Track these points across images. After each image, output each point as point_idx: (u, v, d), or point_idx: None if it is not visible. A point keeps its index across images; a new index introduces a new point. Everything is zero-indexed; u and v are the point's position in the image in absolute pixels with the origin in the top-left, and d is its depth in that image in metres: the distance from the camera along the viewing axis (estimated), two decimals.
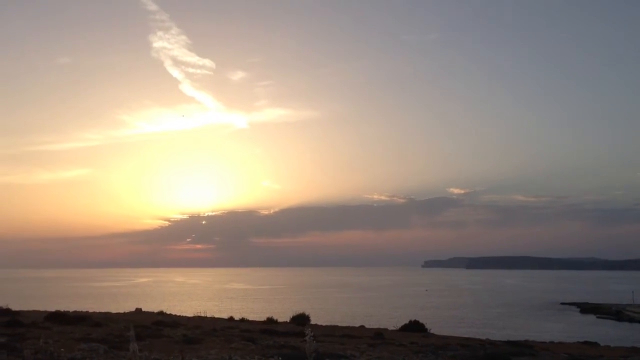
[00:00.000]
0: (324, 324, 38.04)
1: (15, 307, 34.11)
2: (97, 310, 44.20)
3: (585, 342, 38.14)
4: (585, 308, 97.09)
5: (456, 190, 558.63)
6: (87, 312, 37.63)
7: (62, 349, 16.34)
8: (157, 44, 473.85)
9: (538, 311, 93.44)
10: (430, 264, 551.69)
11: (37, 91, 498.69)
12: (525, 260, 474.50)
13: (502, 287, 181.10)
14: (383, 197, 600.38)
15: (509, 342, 30.64)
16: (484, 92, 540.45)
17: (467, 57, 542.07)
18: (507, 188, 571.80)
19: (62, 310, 36.47)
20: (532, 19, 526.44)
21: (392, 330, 34.02)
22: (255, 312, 70.05)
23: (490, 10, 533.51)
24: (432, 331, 35.22)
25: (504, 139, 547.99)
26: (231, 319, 36.92)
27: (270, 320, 35.12)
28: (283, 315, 42.40)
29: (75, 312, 35.83)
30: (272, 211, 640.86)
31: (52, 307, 44.65)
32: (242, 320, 36.52)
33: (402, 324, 36.92)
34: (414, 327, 35.48)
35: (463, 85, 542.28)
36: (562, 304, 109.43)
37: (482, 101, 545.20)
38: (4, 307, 30.78)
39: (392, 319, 56.86)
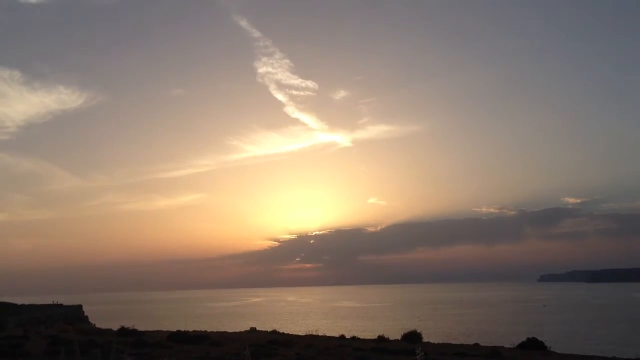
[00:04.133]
0: (436, 342, 37.21)
1: (140, 327, 36.28)
2: (215, 330, 45.99)
3: None
4: None
5: (572, 200, 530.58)
6: (205, 331, 39.25)
7: None
8: (262, 69, 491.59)
9: None
10: (547, 278, 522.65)
11: (154, 122, 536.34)
12: None
13: (631, 301, 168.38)
14: (492, 210, 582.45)
15: None
16: (593, 98, 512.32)
17: (573, 63, 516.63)
18: (629, 195, 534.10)
19: (182, 330, 38.38)
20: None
21: (508, 348, 32.57)
22: (366, 330, 69.91)
23: (595, 16, 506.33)
24: (552, 349, 33.36)
25: (619, 144, 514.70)
26: (342, 337, 37.00)
27: (382, 338, 34.84)
28: (394, 332, 41.96)
29: (194, 331, 37.53)
30: (378, 228, 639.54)
31: (173, 327, 47.16)
32: (354, 338, 36.52)
33: (520, 341, 35.23)
34: (533, 344, 33.72)
35: (571, 92, 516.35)
36: None
37: (593, 107, 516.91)
38: (131, 327, 32.83)
39: (508, 336, 54.58)
